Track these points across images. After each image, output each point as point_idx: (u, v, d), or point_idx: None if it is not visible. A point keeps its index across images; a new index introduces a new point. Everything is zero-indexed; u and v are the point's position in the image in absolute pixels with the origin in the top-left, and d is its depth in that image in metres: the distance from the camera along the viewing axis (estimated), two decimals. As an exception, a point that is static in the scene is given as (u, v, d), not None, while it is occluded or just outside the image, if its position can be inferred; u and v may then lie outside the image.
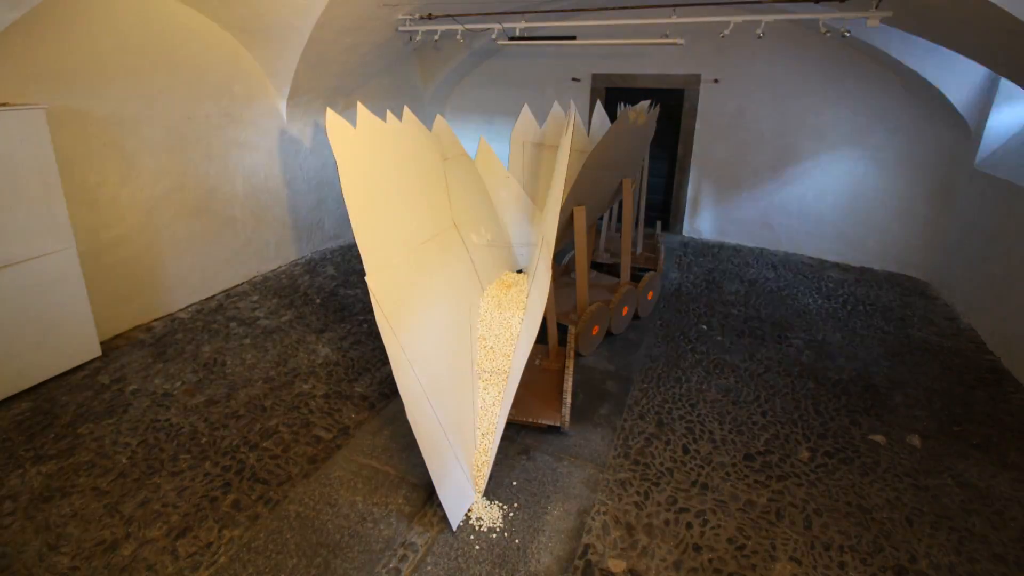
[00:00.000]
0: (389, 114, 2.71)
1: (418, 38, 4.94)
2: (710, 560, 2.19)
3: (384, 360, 3.64)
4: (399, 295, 2.43)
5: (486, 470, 2.47)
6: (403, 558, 2.17)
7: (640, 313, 4.29)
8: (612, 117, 5.72)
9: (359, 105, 2.53)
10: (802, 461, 2.77)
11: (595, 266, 4.97)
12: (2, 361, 3.04)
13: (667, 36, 3.94)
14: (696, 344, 3.94)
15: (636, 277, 4.41)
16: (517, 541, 2.26)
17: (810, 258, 5.84)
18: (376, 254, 2.37)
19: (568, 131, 2.90)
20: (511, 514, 2.39)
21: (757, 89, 5.69)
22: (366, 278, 2.28)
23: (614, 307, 3.88)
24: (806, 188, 5.74)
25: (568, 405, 2.87)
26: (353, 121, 2.42)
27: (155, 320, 4.14)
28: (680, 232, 6.54)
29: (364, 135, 2.48)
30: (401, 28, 4.64)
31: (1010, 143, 4.45)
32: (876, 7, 3.09)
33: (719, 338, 4.03)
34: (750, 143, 5.89)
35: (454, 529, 2.29)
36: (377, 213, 2.46)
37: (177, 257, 4.26)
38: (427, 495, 2.48)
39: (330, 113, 2.32)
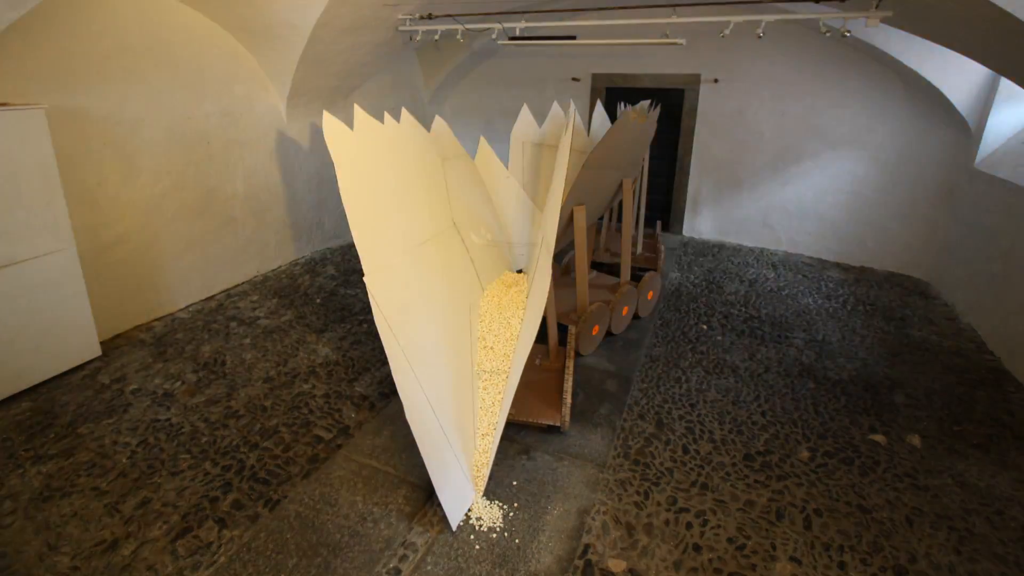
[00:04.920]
0: (387, 116, 2.72)
1: (418, 38, 4.94)
2: (710, 560, 2.19)
3: (384, 360, 3.64)
4: (398, 295, 2.43)
5: (486, 470, 2.47)
6: (403, 558, 2.17)
7: (640, 313, 4.29)
8: (612, 117, 5.72)
9: (356, 108, 2.54)
10: (802, 461, 2.77)
11: (595, 266, 4.97)
12: (2, 361, 3.03)
13: (667, 36, 3.94)
14: (696, 344, 3.94)
15: (636, 277, 4.41)
16: (517, 541, 2.26)
17: (810, 258, 5.84)
18: (375, 255, 2.37)
19: (568, 131, 2.90)
20: (511, 514, 2.39)
21: (757, 89, 5.69)
22: (364, 279, 2.28)
23: (614, 307, 3.88)
24: (806, 188, 5.74)
25: (568, 405, 2.87)
26: (351, 123, 2.42)
27: (155, 320, 4.14)
28: (680, 232, 6.54)
29: (361, 138, 2.48)
30: (401, 28, 4.64)
31: (1010, 143, 4.45)
32: (876, 7, 3.09)
33: (719, 338, 4.03)
34: (750, 143, 5.89)
35: (454, 529, 2.29)
36: (375, 215, 2.46)
37: (177, 257, 4.26)
38: (427, 495, 2.48)
39: (327, 116, 2.33)
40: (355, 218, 2.33)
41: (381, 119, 2.72)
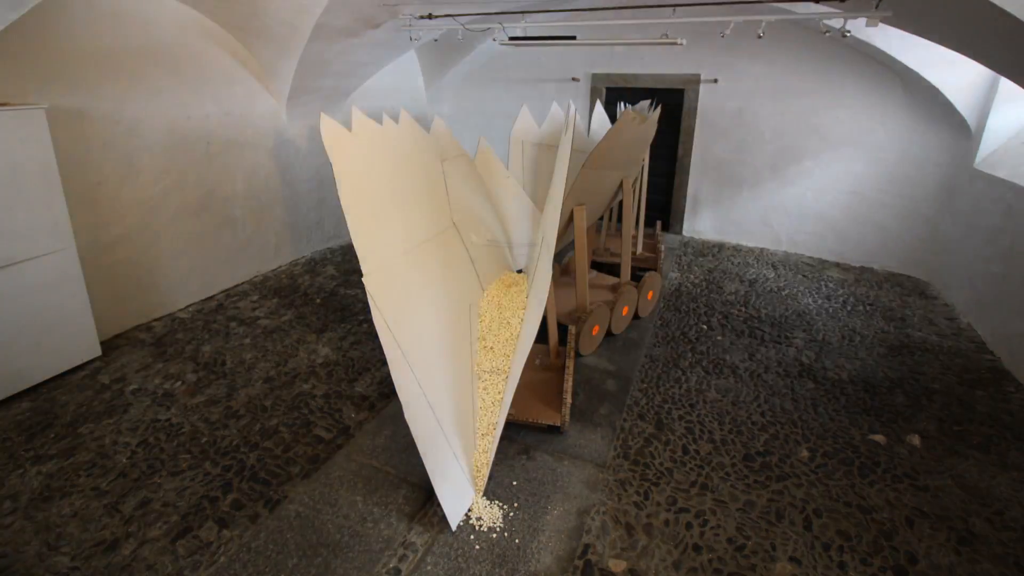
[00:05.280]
0: (386, 117, 2.72)
1: (418, 38, 4.94)
2: (710, 560, 2.19)
3: (384, 360, 3.64)
4: (397, 296, 2.43)
5: (486, 470, 2.47)
6: (403, 558, 2.17)
7: (640, 313, 4.29)
8: (612, 117, 5.72)
9: (354, 109, 2.54)
10: (802, 461, 2.77)
11: (595, 266, 4.97)
12: (2, 361, 3.03)
13: (667, 36, 3.94)
14: (696, 344, 3.94)
15: (636, 277, 4.41)
16: (517, 541, 2.26)
17: (810, 258, 5.84)
18: (373, 256, 2.37)
19: (568, 132, 2.90)
20: (511, 514, 2.39)
21: (757, 89, 5.69)
22: (363, 279, 2.28)
23: (614, 307, 3.88)
24: (806, 188, 5.74)
25: (568, 405, 2.87)
26: (350, 124, 2.42)
27: (155, 320, 4.14)
28: (680, 232, 6.54)
29: (360, 139, 2.48)
30: (401, 28, 4.64)
31: (1010, 143, 4.45)
32: (876, 7, 3.09)
33: (719, 338, 4.03)
34: (750, 143, 5.89)
35: (454, 529, 2.29)
36: (374, 216, 2.46)
37: (177, 257, 4.26)
38: (427, 495, 2.48)
39: (325, 118, 2.33)
40: (354, 220, 2.33)
41: (381, 120, 2.72)
